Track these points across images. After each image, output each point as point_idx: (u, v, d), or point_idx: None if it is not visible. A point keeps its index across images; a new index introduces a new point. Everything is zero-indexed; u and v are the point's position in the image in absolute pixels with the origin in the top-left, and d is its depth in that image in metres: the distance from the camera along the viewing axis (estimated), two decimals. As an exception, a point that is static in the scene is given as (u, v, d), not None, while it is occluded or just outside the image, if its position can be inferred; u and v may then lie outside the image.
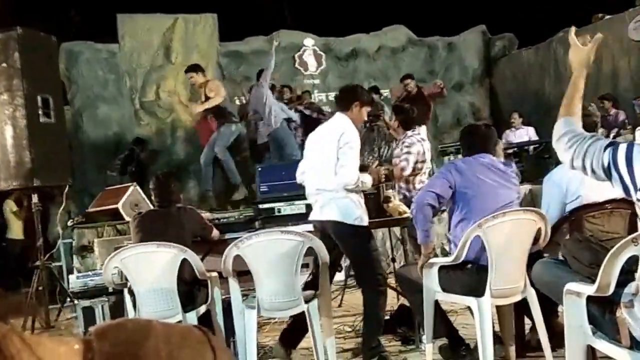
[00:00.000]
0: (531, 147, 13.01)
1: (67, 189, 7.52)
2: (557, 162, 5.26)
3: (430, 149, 7.73)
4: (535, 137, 14.33)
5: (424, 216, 5.20)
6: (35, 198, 7.12)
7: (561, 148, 3.36)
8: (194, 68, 11.87)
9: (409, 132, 7.77)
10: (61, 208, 8.02)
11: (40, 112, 6.83)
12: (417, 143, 7.63)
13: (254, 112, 13.16)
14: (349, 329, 6.95)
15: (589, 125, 4.95)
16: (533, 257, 5.02)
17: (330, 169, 5.71)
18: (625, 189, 3.11)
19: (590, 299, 3.85)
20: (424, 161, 7.60)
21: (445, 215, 6.64)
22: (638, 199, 3.13)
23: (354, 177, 5.57)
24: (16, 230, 13.65)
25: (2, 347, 0.50)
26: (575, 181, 4.98)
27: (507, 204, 5.04)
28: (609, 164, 3.10)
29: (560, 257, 4.74)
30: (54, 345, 0.57)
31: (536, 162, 11.74)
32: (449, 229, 5.31)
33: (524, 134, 14.55)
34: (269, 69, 12.69)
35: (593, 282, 3.79)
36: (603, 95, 13.52)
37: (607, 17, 15.54)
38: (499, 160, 5.42)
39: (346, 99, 5.99)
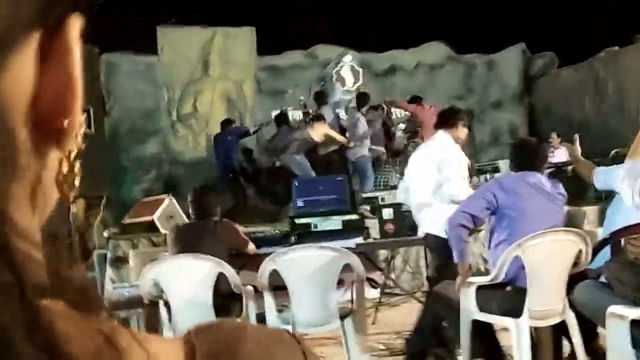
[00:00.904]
0: (569, 168, 12.86)
1: (105, 199, 7.54)
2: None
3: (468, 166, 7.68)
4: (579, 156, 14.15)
5: (458, 236, 5.16)
6: (73, 208, 7.15)
7: (623, 189, 3.37)
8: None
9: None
10: (98, 218, 8.05)
11: (80, 122, 6.87)
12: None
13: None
14: (383, 347, 6.89)
15: None
16: (575, 279, 4.94)
17: (430, 184, 5.95)
18: None
19: (634, 322, 3.80)
20: None
21: (481, 234, 6.58)
22: None
23: (462, 192, 5.61)
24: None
25: (113, 340, 0.52)
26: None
27: (551, 227, 4.96)
28: None
29: (603, 280, 4.67)
30: (159, 340, 0.59)
31: (574, 183, 11.60)
32: (489, 248, 5.24)
33: (562, 154, 14.38)
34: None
35: (638, 305, 3.73)
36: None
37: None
38: (547, 179, 5.34)
39: (452, 117, 6.35)
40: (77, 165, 0.60)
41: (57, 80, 0.54)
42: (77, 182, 0.60)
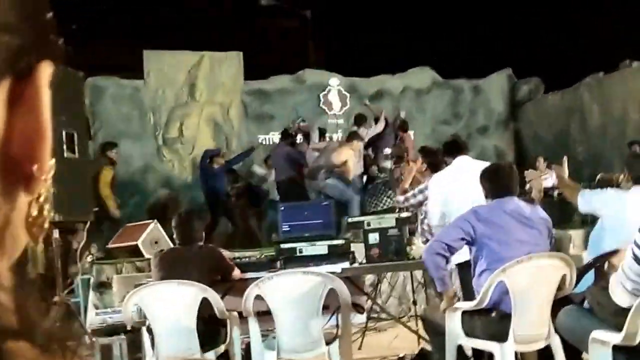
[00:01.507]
0: (555, 192, 12.90)
1: (88, 224, 7.50)
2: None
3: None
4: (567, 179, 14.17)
5: (435, 265, 5.14)
6: (56, 233, 7.10)
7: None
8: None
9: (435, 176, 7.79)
10: (81, 244, 8.00)
11: (64, 147, 6.84)
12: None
13: None
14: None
15: None
16: (560, 303, 4.94)
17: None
18: None
19: (616, 347, 3.79)
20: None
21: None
22: None
23: None
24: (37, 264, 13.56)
25: None
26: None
27: (532, 253, 4.92)
28: None
29: (586, 305, 4.66)
30: None
31: (560, 207, 11.65)
32: (473, 276, 5.21)
33: (548, 179, 14.42)
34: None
35: (619, 330, 3.72)
36: (632, 141, 13.32)
37: (635, 63, 15.48)
38: (526, 203, 5.31)
39: (463, 144, 7.23)
40: (47, 208, 0.60)
41: (27, 126, 0.55)
42: (46, 225, 0.61)
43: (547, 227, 5.19)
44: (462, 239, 5.06)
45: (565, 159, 6.05)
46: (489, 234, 4.98)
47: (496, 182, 5.28)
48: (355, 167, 12.43)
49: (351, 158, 12.22)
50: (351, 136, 12.78)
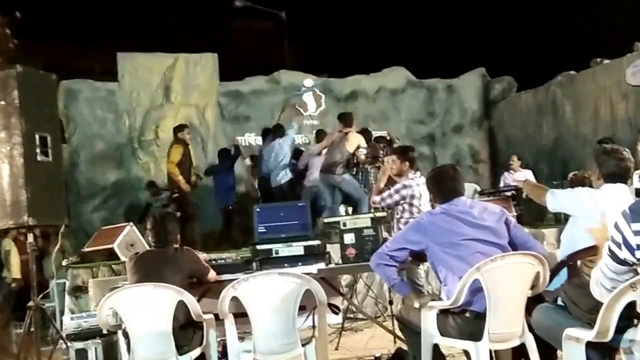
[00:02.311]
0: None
1: (62, 228, 7.46)
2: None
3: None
4: (533, 180, 14.26)
5: (384, 275, 5.19)
6: (30, 237, 7.07)
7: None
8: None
9: (410, 174, 7.81)
10: (56, 248, 7.95)
11: (37, 150, 6.80)
12: (415, 187, 7.68)
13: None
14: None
15: (623, 171, 4.95)
16: (533, 301, 4.96)
17: None
18: None
19: (589, 344, 3.83)
20: (411, 205, 7.68)
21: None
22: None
23: None
24: (12, 269, 13.45)
25: None
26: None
27: (491, 253, 4.91)
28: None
29: (560, 302, 4.69)
30: None
31: (533, 206, 11.71)
32: (439, 282, 5.21)
33: (522, 176, 14.45)
34: None
35: (592, 327, 3.76)
36: (602, 139, 13.41)
37: (606, 61, 15.62)
38: (474, 202, 5.25)
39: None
40: None
41: None
42: None
43: (502, 221, 5.15)
44: (404, 248, 5.06)
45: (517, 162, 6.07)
46: (438, 240, 4.94)
47: (441, 186, 5.24)
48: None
49: (361, 141, 12.13)
50: (344, 118, 12.66)
